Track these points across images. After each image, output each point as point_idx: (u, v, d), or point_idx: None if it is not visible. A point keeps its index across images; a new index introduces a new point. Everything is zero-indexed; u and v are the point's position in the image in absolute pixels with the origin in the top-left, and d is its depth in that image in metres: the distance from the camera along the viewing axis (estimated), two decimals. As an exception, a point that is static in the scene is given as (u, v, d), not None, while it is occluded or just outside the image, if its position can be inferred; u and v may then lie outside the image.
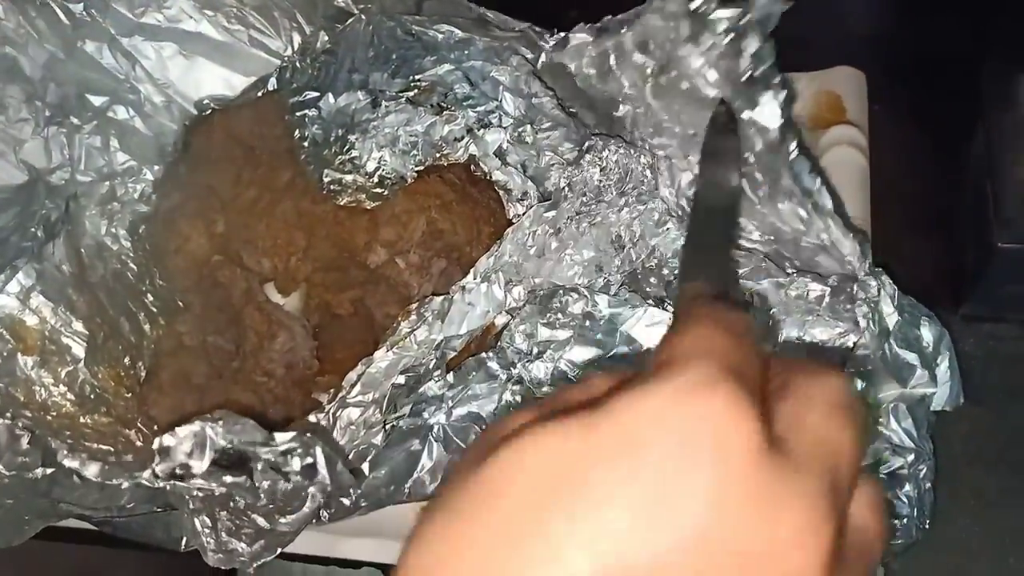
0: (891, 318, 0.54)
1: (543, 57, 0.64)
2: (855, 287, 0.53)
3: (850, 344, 0.53)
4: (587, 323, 0.54)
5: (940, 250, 0.61)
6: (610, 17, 0.54)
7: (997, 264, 0.57)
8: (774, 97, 0.45)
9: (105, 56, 0.63)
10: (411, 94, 0.63)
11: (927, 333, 0.54)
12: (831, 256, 0.53)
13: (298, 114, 0.63)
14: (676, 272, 0.58)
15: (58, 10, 0.61)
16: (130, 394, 0.57)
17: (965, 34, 0.61)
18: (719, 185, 0.41)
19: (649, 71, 0.52)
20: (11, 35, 0.60)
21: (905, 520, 0.50)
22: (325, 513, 0.51)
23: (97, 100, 0.63)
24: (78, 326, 0.56)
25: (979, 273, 0.58)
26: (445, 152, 0.62)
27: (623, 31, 0.53)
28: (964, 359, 0.54)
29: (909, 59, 0.64)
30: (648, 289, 0.57)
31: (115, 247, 0.60)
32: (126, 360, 0.58)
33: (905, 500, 0.50)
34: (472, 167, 0.63)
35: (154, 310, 0.61)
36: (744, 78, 0.45)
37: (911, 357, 0.53)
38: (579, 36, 0.58)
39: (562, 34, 0.58)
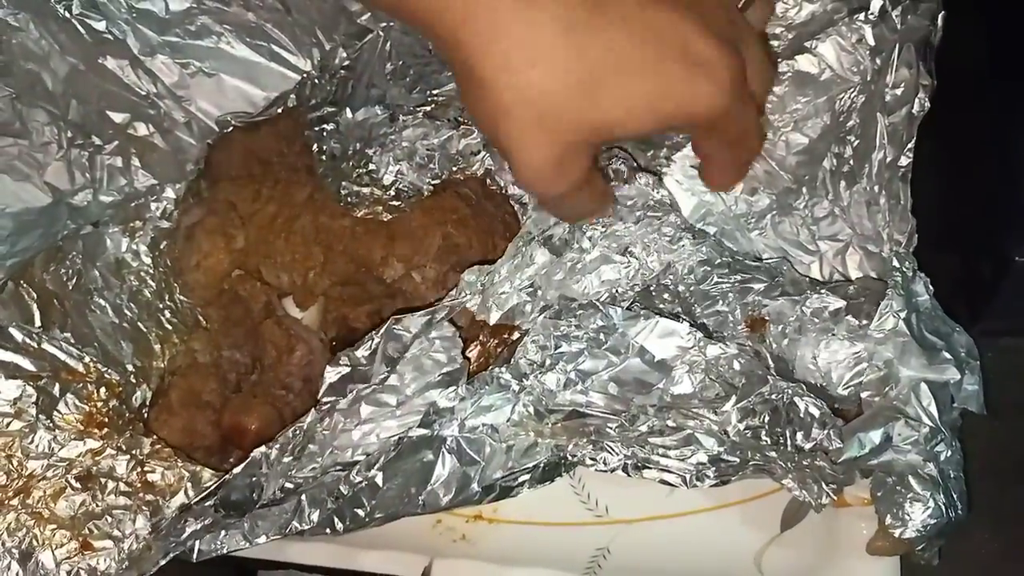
0: (922, 301, 0.54)
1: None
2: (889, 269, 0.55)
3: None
4: (600, 335, 0.54)
5: (956, 264, 0.61)
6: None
7: (1014, 278, 0.56)
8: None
9: (127, 73, 0.64)
10: (428, 108, 0.64)
11: (959, 337, 0.54)
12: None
13: (316, 128, 0.64)
14: (691, 289, 0.58)
15: (79, 27, 0.62)
16: (105, 429, 0.56)
17: (981, 44, 0.61)
18: None
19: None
20: (33, 47, 0.61)
21: (930, 499, 0.50)
22: (340, 524, 0.52)
23: (118, 117, 0.64)
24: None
25: (996, 287, 0.58)
26: (462, 166, 0.63)
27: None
28: (983, 373, 0.54)
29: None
30: (661, 306, 0.57)
31: (135, 264, 0.61)
32: (101, 391, 0.57)
33: (927, 478, 0.50)
34: (488, 180, 0.63)
35: (169, 328, 0.62)
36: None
37: (939, 344, 0.53)
38: None
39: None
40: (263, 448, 0.51)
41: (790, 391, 0.52)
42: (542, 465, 0.55)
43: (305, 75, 0.67)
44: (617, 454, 0.54)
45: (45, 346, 0.56)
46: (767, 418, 0.51)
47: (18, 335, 0.55)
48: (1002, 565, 0.59)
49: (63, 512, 0.52)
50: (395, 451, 0.52)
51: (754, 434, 0.52)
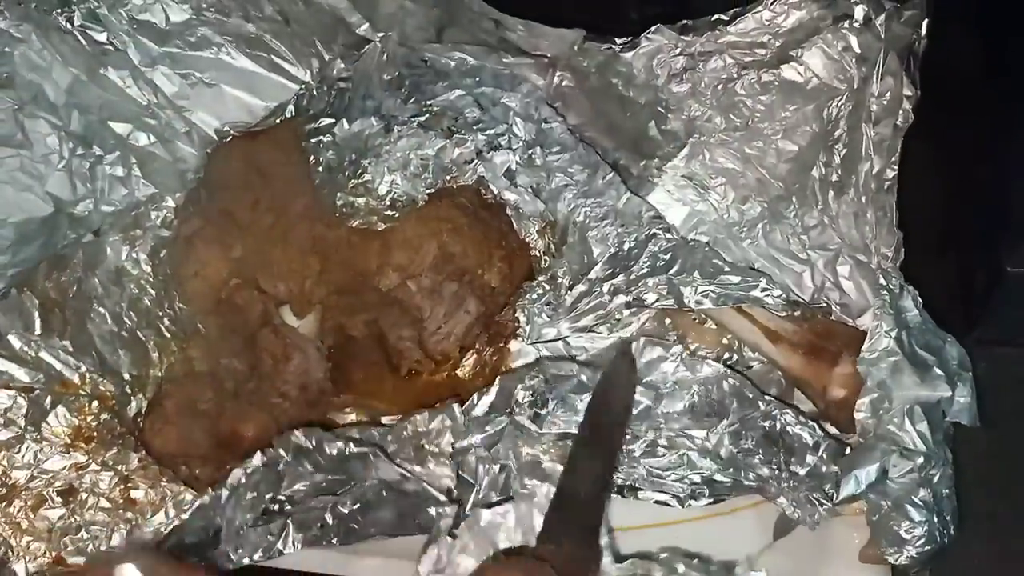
0: (912, 316, 0.54)
1: (555, 81, 0.65)
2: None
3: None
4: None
5: (952, 274, 0.61)
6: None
7: (1007, 288, 0.56)
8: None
9: (128, 83, 0.65)
10: (422, 119, 0.65)
11: (950, 348, 0.54)
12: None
13: (312, 140, 0.64)
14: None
15: (81, 38, 0.63)
16: (92, 444, 0.56)
17: (978, 57, 0.60)
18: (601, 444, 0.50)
19: (743, 70, 0.59)
20: (36, 59, 0.62)
21: (925, 525, 0.50)
22: (336, 539, 0.53)
23: (119, 127, 0.65)
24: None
25: (990, 297, 0.58)
26: (455, 175, 0.64)
27: (718, 30, 0.59)
28: (977, 383, 0.54)
29: (921, 82, 0.63)
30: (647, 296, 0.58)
31: (135, 272, 0.62)
32: (92, 405, 0.57)
33: (922, 504, 0.50)
34: (482, 189, 0.64)
35: (168, 336, 0.62)
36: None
37: (931, 360, 0.53)
38: (657, 37, 0.59)
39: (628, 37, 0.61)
40: (211, 491, 0.52)
41: (781, 416, 0.53)
42: None
43: (303, 86, 0.68)
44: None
45: (43, 354, 0.57)
46: (759, 442, 0.53)
47: (16, 343, 0.56)
48: (995, 572, 0.58)
49: (41, 524, 0.53)
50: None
51: (746, 455, 0.53)
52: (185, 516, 0.51)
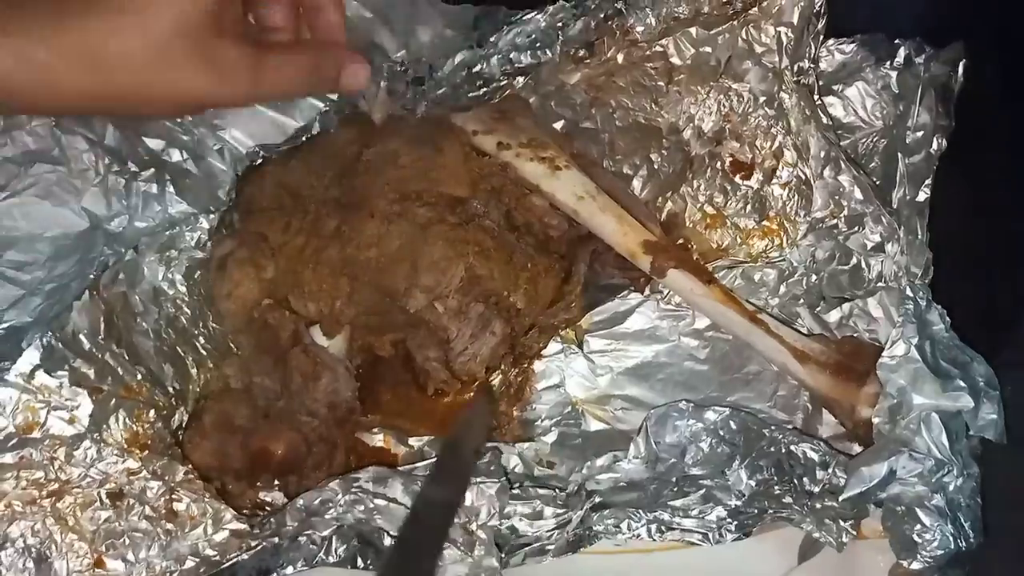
0: (938, 330, 0.55)
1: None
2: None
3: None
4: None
5: (976, 296, 0.61)
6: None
7: (1030, 311, 0.57)
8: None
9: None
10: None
11: (978, 366, 0.54)
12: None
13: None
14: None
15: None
16: (146, 452, 0.57)
17: (997, 77, 0.61)
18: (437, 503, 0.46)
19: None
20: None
21: (938, 530, 0.50)
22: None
23: (153, 143, 0.65)
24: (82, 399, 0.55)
25: (1014, 322, 0.58)
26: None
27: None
28: (1004, 405, 0.54)
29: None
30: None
31: (171, 292, 0.62)
32: (149, 413, 0.58)
33: (934, 510, 0.51)
34: (510, 212, 0.65)
35: (203, 353, 0.63)
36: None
37: (954, 372, 0.53)
38: None
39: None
40: (275, 539, 0.53)
41: (785, 440, 0.54)
42: (568, 538, 0.56)
43: (329, 103, 0.68)
44: (640, 519, 0.55)
45: (107, 358, 0.57)
46: (773, 471, 0.54)
47: (86, 343, 0.57)
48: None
49: (87, 524, 0.53)
50: None
51: (766, 486, 0.54)
52: (245, 557, 0.53)
